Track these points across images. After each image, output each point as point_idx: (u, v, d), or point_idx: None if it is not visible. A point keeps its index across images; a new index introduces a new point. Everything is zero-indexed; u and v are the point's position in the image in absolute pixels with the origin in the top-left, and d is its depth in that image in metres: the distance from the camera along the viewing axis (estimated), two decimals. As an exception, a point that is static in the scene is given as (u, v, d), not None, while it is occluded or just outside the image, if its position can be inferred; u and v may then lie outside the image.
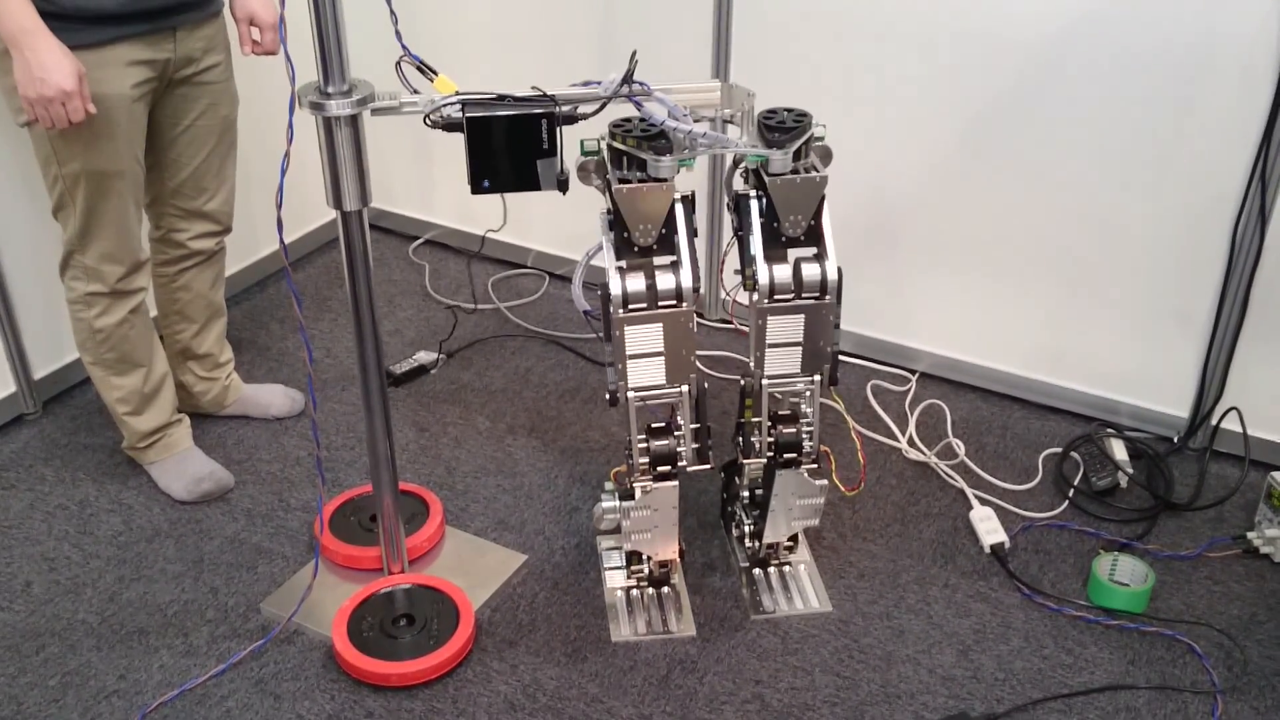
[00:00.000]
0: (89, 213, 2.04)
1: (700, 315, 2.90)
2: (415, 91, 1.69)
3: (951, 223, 2.55)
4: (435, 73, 1.70)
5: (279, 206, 1.87)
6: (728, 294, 2.04)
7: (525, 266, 3.18)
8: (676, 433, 1.87)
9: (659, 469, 1.87)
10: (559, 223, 3.04)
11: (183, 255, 2.30)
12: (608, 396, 1.84)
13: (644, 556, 2.02)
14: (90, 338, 2.18)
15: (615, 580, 2.10)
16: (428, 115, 1.67)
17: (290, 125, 1.65)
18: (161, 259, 2.31)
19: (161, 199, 2.23)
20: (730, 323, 2.86)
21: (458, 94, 1.68)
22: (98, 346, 2.19)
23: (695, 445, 1.88)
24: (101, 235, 2.08)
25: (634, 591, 2.08)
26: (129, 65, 1.96)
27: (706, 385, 1.88)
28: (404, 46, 1.69)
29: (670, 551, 1.99)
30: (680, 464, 1.87)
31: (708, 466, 1.90)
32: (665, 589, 2.08)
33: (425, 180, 3.24)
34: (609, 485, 2.01)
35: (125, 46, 1.94)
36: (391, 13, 1.72)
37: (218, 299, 2.42)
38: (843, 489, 2.23)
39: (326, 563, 2.12)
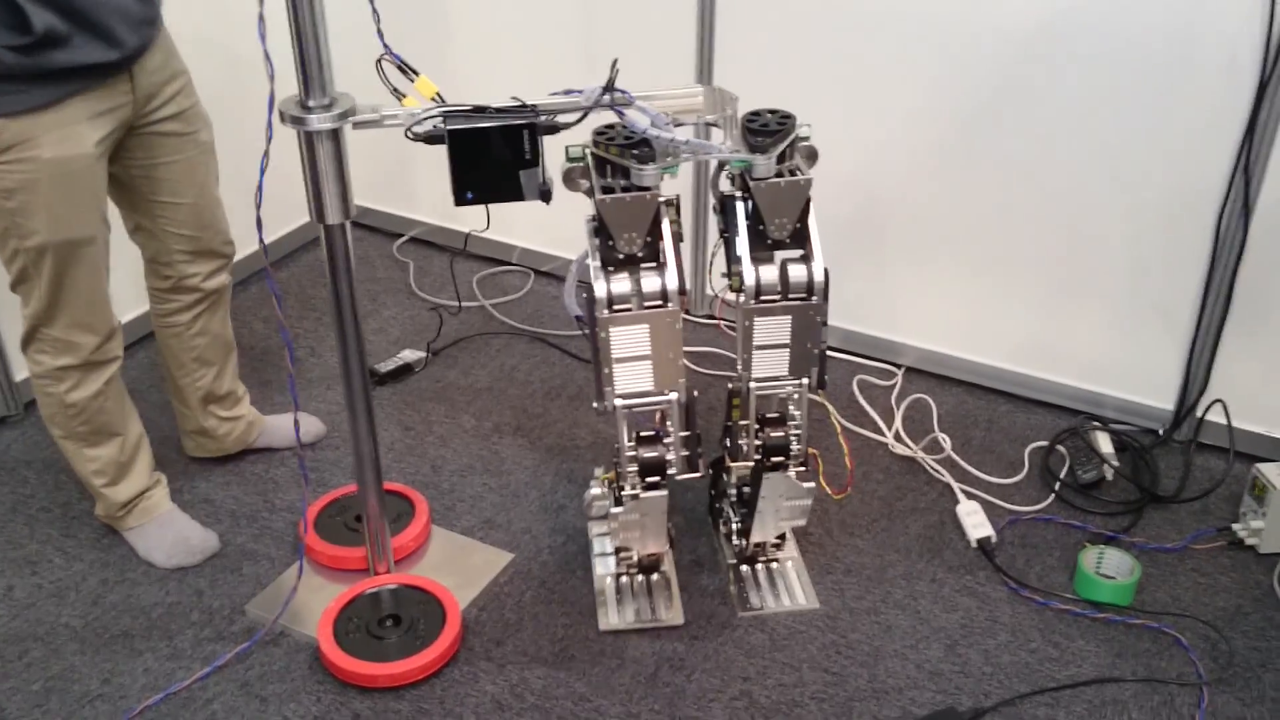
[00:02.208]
0: (56, 285, 1.88)
1: (686, 312, 2.89)
2: (395, 90, 1.68)
3: (936, 217, 2.55)
4: (416, 73, 1.69)
5: (259, 206, 1.86)
6: (715, 293, 2.03)
7: (510, 264, 3.17)
8: (666, 440, 1.86)
9: (648, 478, 1.87)
10: (543, 220, 3.02)
11: (197, 299, 2.16)
12: (595, 407, 1.83)
13: (633, 549, 2.02)
14: (60, 412, 2.02)
15: (604, 567, 2.10)
16: (409, 128, 1.66)
17: (269, 124, 1.64)
18: (174, 307, 2.16)
19: (166, 246, 2.08)
20: (717, 321, 2.85)
21: (436, 104, 1.66)
22: (69, 421, 2.02)
23: (685, 453, 1.88)
24: (71, 305, 1.91)
25: (623, 579, 2.08)
26: (91, 119, 1.80)
27: (696, 393, 1.88)
28: (385, 45, 1.67)
29: (659, 548, 1.98)
30: (670, 472, 1.87)
31: (697, 475, 1.90)
32: (654, 576, 2.08)
33: (408, 178, 3.23)
34: (598, 472, 2.00)
35: (83, 101, 1.78)
36: (374, 11, 1.71)
37: (229, 333, 2.28)
38: (830, 492, 2.23)
39: (312, 563, 2.11)
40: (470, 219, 3.08)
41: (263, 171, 1.71)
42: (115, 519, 2.17)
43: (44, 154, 1.76)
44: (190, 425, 2.34)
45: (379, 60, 1.67)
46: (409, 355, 2.75)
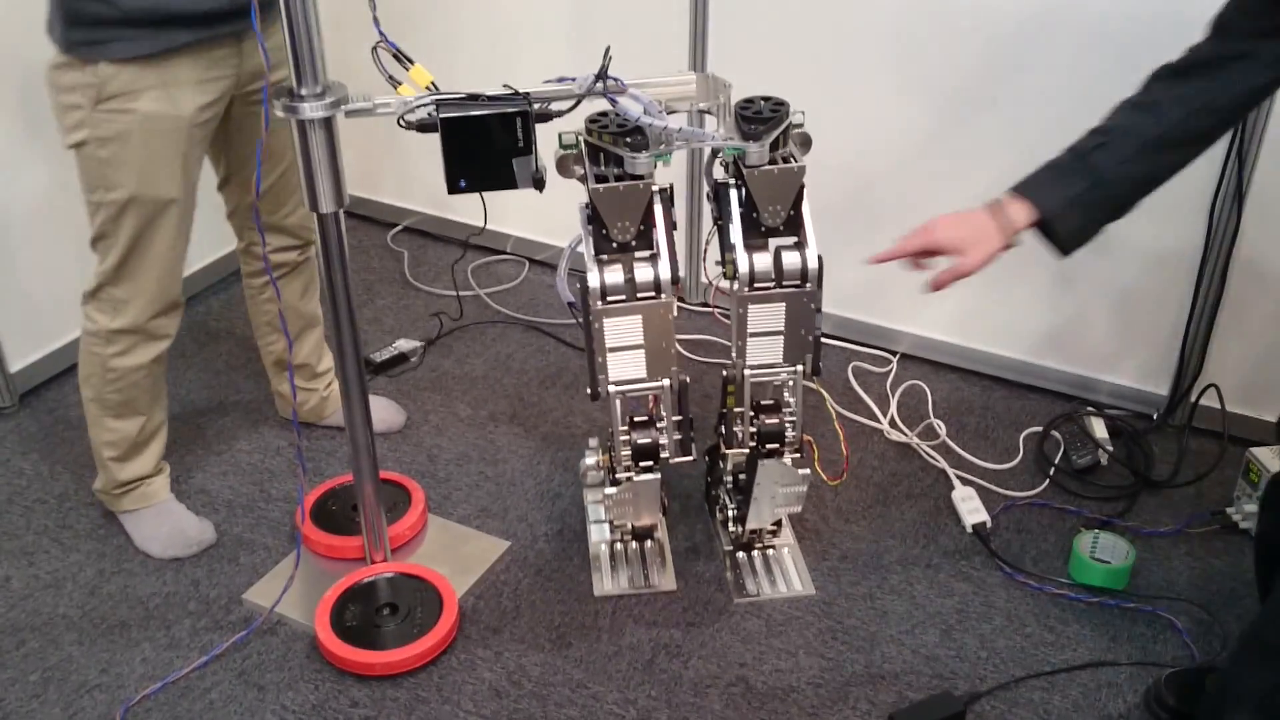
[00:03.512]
0: (133, 245, 1.90)
1: (681, 300, 2.90)
2: (391, 79, 1.68)
3: (930, 203, 2.52)
4: (411, 61, 1.69)
5: (256, 194, 1.86)
6: (710, 281, 2.04)
7: (505, 253, 3.17)
8: (659, 425, 1.87)
9: (641, 463, 1.87)
10: (538, 209, 3.02)
11: (264, 269, 2.21)
12: (589, 392, 1.84)
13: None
14: (99, 374, 2.03)
15: (599, 534, 2.13)
16: (401, 116, 1.66)
17: (265, 116, 1.64)
18: (249, 270, 2.24)
19: (240, 212, 2.15)
20: (711, 309, 2.85)
21: (430, 92, 1.66)
22: (104, 385, 2.03)
23: (678, 437, 1.88)
24: (142, 270, 1.93)
25: (617, 545, 2.10)
26: (196, 84, 1.84)
27: (687, 379, 1.88)
28: (381, 33, 1.67)
29: (651, 520, 2.00)
30: (663, 456, 1.88)
31: (690, 458, 1.90)
32: (648, 542, 2.10)
33: (403, 167, 3.23)
34: (592, 442, 2.01)
35: (192, 61, 1.82)
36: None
37: (309, 309, 2.31)
38: (825, 478, 2.24)
39: (308, 553, 2.11)
40: (466, 209, 3.09)
41: (259, 163, 1.71)
42: (111, 496, 2.17)
43: (143, 107, 1.79)
44: (271, 385, 2.41)
45: (374, 47, 1.67)
46: (404, 345, 2.75)
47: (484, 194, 1.75)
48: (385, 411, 2.47)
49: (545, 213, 2.99)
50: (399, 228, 3.28)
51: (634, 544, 2.10)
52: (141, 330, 1.99)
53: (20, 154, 2.43)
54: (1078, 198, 1.62)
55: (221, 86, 1.89)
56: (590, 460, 1.93)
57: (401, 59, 1.68)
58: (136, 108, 1.79)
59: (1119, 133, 1.60)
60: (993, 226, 1.66)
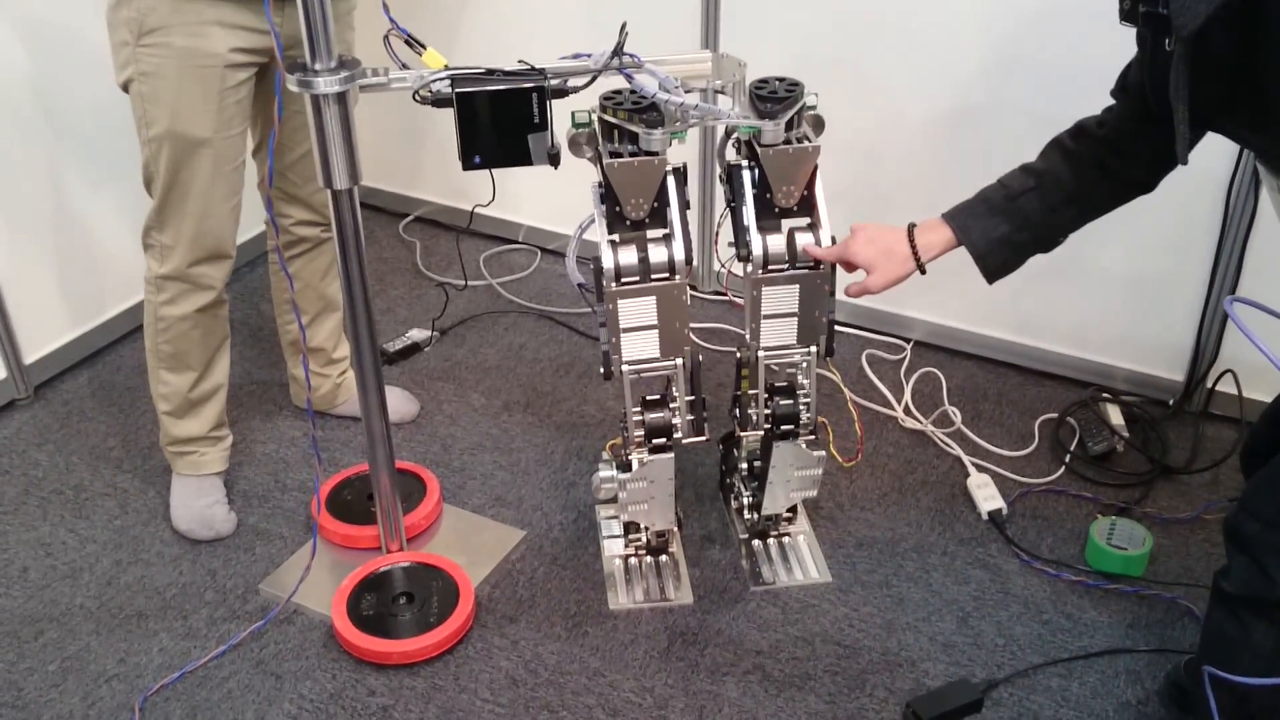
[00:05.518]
0: (170, 183, 1.93)
1: (694, 288, 2.90)
2: (404, 66, 1.67)
3: (944, 188, 2.52)
4: (424, 46, 1.68)
5: (269, 183, 1.86)
6: (723, 265, 2.03)
7: (516, 242, 3.17)
8: (671, 405, 1.87)
9: (654, 441, 1.87)
10: (550, 197, 3.02)
11: (289, 241, 2.22)
12: (602, 371, 1.84)
13: (642, 525, 2.03)
14: (153, 323, 2.08)
15: (613, 549, 2.11)
16: (417, 91, 1.65)
17: (279, 104, 1.64)
18: (272, 244, 2.26)
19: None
20: (725, 294, 2.85)
21: (447, 69, 1.66)
22: (156, 334, 2.09)
23: (690, 417, 1.88)
24: (182, 212, 1.96)
25: (632, 560, 2.08)
26: (233, 27, 1.84)
27: (701, 358, 1.88)
28: (392, 20, 1.67)
29: (667, 522, 1.99)
30: (675, 436, 1.87)
31: (703, 439, 1.90)
32: (663, 557, 2.08)
33: (414, 157, 3.22)
34: (606, 455, 2.00)
35: (232, 8, 1.83)
36: (379, -15, 1.70)
37: (330, 291, 2.32)
38: (840, 460, 2.23)
39: (324, 542, 2.12)
40: (476, 195, 3.08)
41: (271, 152, 1.71)
42: (170, 453, 2.21)
43: (177, 42, 1.82)
44: (288, 368, 2.45)
45: (386, 35, 1.67)
46: (417, 334, 2.75)
47: (494, 172, 1.73)
48: (399, 401, 2.47)
49: (557, 201, 2.99)
50: (410, 218, 3.28)
51: (649, 559, 2.09)
52: (185, 277, 2.02)
53: (26, 153, 2.44)
54: (1005, 238, 1.71)
55: (259, 39, 1.88)
56: (604, 473, 1.90)
57: (414, 44, 1.68)
58: (172, 42, 1.82)
59: (1049, 179, 1.69)
60: (904, 252, 1.73)
